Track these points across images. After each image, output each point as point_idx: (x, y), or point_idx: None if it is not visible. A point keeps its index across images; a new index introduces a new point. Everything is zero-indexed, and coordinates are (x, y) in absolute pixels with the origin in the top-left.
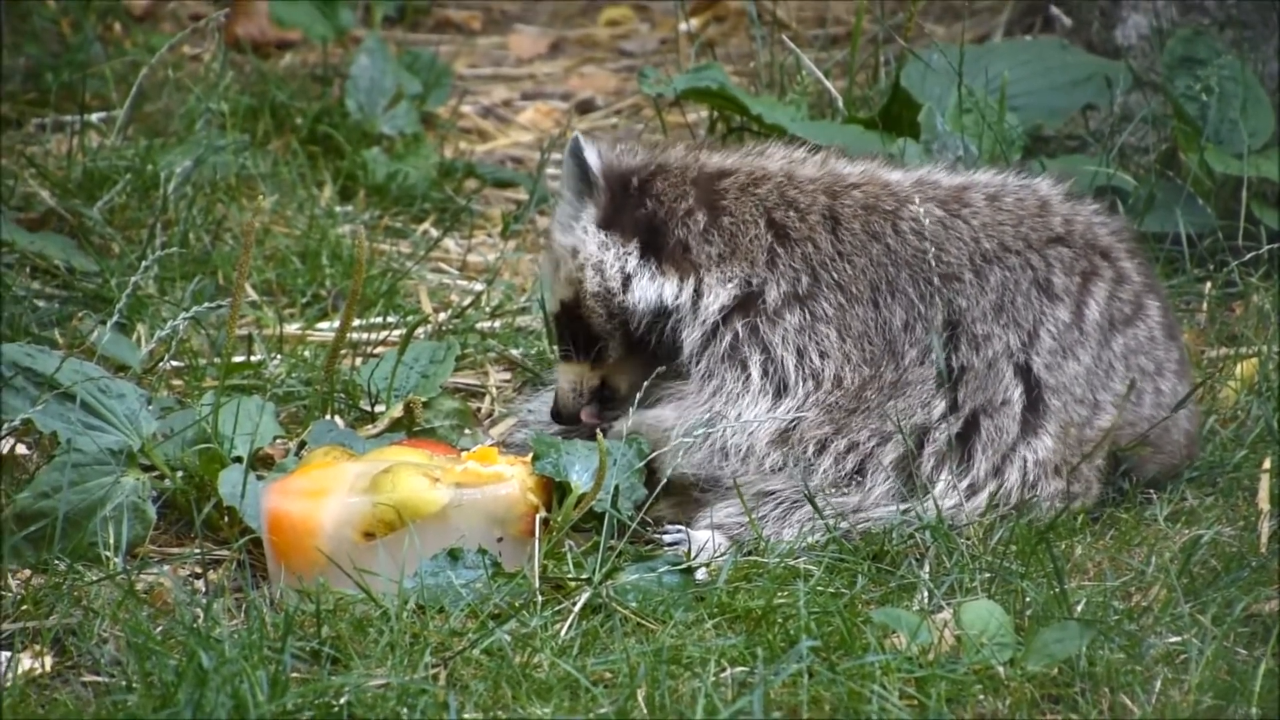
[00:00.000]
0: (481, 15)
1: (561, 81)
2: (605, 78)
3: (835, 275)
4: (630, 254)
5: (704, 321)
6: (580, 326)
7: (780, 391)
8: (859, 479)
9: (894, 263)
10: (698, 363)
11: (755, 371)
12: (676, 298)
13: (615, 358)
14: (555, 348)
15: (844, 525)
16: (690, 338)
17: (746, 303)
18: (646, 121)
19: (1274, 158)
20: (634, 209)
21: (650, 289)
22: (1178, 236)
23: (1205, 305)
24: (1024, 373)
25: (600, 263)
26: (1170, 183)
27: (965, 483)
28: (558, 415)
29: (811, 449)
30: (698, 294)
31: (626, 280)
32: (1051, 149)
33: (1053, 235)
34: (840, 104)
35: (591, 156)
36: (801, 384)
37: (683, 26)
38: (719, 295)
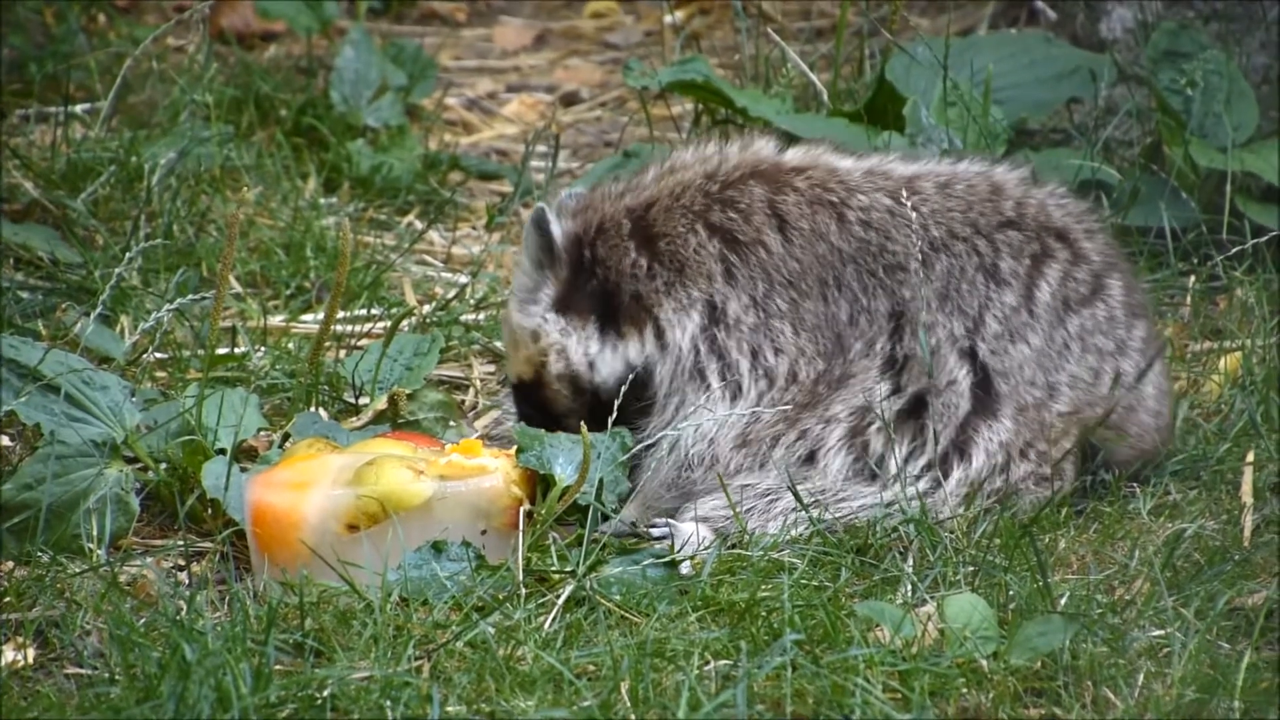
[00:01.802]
0: (466, 7)
1: (546, 74)
2: (590, 70)
3: (787, 274)
4: (590, 336)
5: (675, 354)
6: (544, 405)
7: (735, 394)
8: (810, 464)
9: (840, 258)
10: (664, 388)
11: (714, 381)
12: (642, 352)
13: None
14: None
15: (827, 517)
16: (661, 371)
17: (711, 321)
18: (631, 114)
19: (1258, 151)
20: (586, 282)
21: (615, 361)
22: (1162, 230)
23: (1189, 299)
24: (969, 358)
25: (564, 349)
26: (1155, 177)
27: (923, 460)
28: None
29: (767, 445)
30: (659, 334)
31: (591, 364)
32: (1036, 142)
33: (1003, 220)
34: (825, 97)
35: (556, 229)
36: (754, 384)
37: (668, 19)
38: (685, 325)
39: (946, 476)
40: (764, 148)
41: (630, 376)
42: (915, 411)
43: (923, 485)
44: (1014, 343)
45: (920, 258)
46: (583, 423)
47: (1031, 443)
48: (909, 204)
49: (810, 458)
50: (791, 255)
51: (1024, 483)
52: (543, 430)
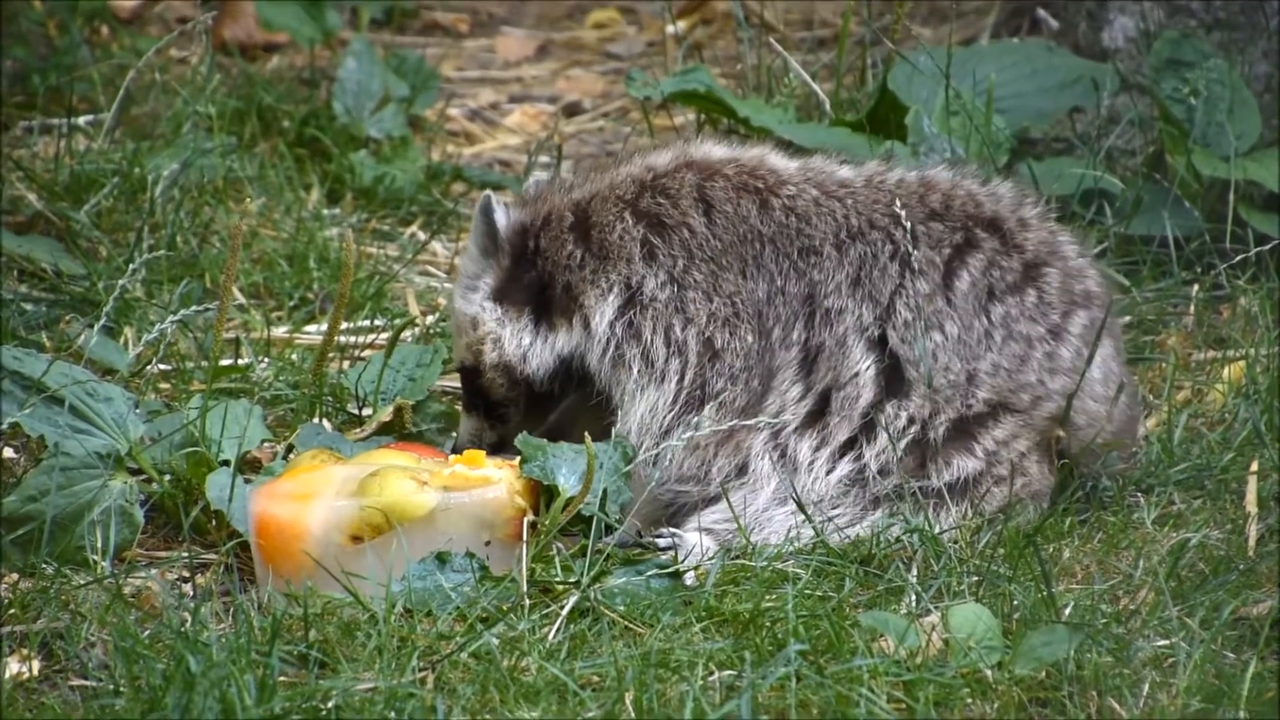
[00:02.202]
0: (469, 18)
1: (549, 84)
2: (592, 80)
3: (709, 251)
4: (524, 327)
5: (599, 340)
6: (481, 392)
7: (659, 379)
8: (743, 475)
9: (759, 239)
10: (599, 378)
11: (635, 365)
12: (570, 342)
13: (516, 421)
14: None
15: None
16: (590, 361)
17: (628, 303)
18: (634, 124)
19: (1261, 160)
20: (525, 273)
21: (546, 353)
22: (1165, 239)
23: (1193, 308)
24: (878, 346)
25: (499, 338)
26: (1157, 185)
27: (827, 451)
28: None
29: (710, 454)
30: (585, 322)
31: (524, 355)
32: (1038, 151)
33: (928, 212)
34: (827, 106)
35: (500, 217)
36: (671, 361)
37: (670, 29)
38: (604, 310)
39: (859, 460)
40: (709, 150)
41: (562, 369)
42: (822, 409)
43: (839, 473)
44: (926, 331)
45: (911, 252)
46: (586, 434)
47: (963, 428)
48: (898, 204)
49: (743, 468)
50: (714, 235)
51: (980, 483)
52: (545, 441)
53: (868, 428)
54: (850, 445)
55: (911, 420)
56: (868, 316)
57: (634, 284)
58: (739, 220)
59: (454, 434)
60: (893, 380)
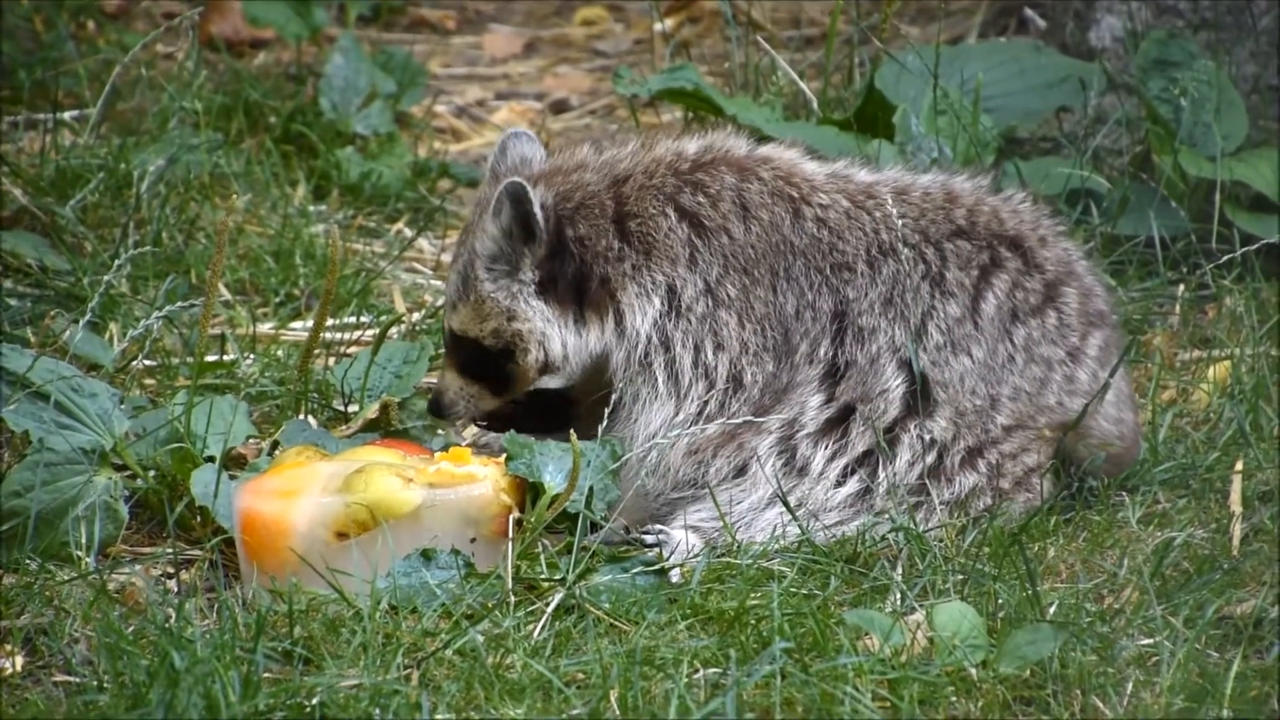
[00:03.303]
0: (456, 15)
1: (536, 81)
2: (580, 78)
3: (743, 260)
4: (569, 327)
5: (633, 341)
6: (498, 372)
7: (680, 395)
8: (742, 476)
9: (791, 250)
10: (618, 375)
11: (660, 375)
12: (601, 339)
13: (521, 398)
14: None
15: (817, 529)
16: (616, 359)
17: (669, 308)
18: (621, 122)
19: (1247, 160)
20: (565, 265)
21: (583, 351)
22: (1151, 239)
23: (1178, 308)
24: (908, 368)
25: (544, 339)
26: (1144, 185)
27: (842, 462)
28: (437, 409)
29: (709, 455)
30: (619, 319)
31: (567, 356)
32: (1025, 151)
33: (954, 228)
34: (815, 105)
35: (537, 207)
36: (695, 383)
37: (657, 27)
38: (646, 310)
39: (872, 477)
40: (737, 144)
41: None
42: (843, 418)
43: (849, 487)
44: (955, 354)
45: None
46: (572, 431)
47: (978, 452)
48: (895, 211)
49: (742, 469)
50: (749, 243)
51: (979, 497)
52: (532, 438)
53: (890, 444)
54: (866, 459)
55: (933, 442)
56: (900, 337)
57: (676, 287)
58: (772, 229)
59: (440, 431)
60: (919, 401)
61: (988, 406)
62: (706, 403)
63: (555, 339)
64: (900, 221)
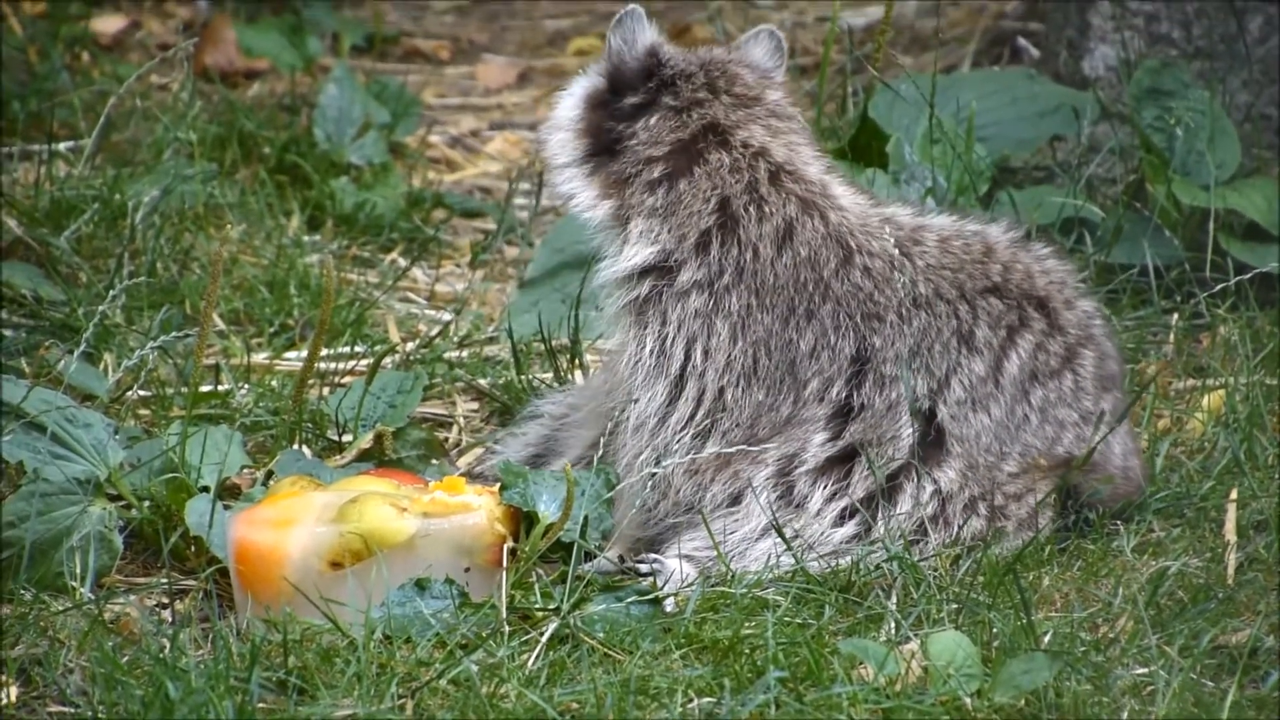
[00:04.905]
0: (450, 45)
1: (530, 111)
2: None
3: (758, 282)
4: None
5: (623, 267)
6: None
7: (674, 385)
8: (735, 506)
9: (823, 294)
10: (608, 303)
11: (650, 338)
12: (593, 210)
13: None
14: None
15: (811, 559)
16: (606, 271)
17: (660, 271)
18: None
19: (1241, 189)
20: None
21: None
22: (1145, 268)
23: (1172, 337)
24: (927, 419)
25: (571, 194)
26: (1138, 214)
27: (841, 504)
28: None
29: (709, 476)
30: (625, 228)
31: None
32: (1019, 180)
33: (988, 285)
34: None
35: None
36: (693, 380)
37: None
38: (639, 251)
39: (873, 521)
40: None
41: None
42: (847, 459)
43: (848, 529)
44: (975, 411)
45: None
46: (566, 462)
47: (982, 497)
48: (891, 240)
49: (736, 499)
50: (774, 269)
51: (980, 537)
52: (526, 468)
53: (892, 491)
54: (866, 503)
55: (938, 492)
56: (921, 388)
57: (673, 262)
58: (809, 267)
59: (435, 461)
60: (932, 451)
61: (998, 462)
62: (698, 404)
63: (580, 195)
64: (930, 275)
